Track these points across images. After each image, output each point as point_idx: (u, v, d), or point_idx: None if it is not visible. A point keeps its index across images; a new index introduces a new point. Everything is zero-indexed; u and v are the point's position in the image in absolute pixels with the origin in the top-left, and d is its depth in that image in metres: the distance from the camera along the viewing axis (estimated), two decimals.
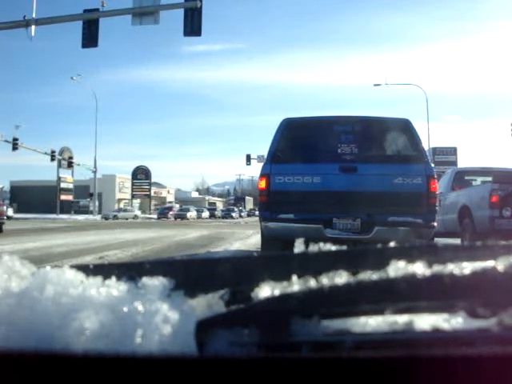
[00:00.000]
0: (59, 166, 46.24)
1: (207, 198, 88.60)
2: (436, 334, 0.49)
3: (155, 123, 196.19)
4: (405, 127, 5.86)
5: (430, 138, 36.98)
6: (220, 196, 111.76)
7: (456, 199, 9.10)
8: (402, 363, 0.45)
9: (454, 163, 35.43)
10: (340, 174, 5.49)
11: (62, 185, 48.92)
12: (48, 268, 0.56)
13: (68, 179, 49.89)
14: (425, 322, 0.51)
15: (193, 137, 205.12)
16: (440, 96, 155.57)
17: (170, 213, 50.62)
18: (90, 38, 17.88)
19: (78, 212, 48.58)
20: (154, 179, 67.71)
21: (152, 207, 59.84)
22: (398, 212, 5.35)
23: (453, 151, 37.62)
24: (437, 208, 5.78)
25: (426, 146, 36.31)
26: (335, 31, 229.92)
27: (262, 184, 5.69)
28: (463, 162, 38.23)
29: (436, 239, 8.29)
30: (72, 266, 0.57)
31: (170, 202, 70.42)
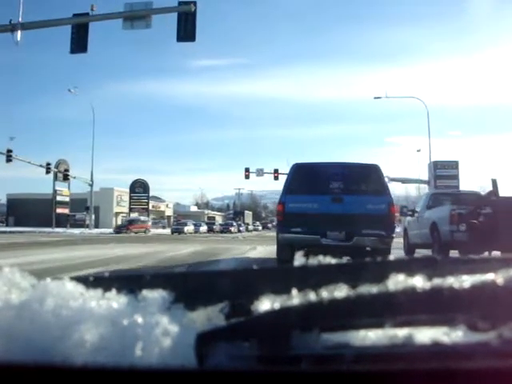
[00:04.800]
0: (55, 178, 45.79)
1: (206, 212, 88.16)
2: (436, 348, 0.49)
3: (156, 137, 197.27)
4: (374, 170, 8.66)
5: (433, 153, 35.81)
6: (219, 210, 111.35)
7: (428, 217, 11.39)
8: (401, 377, 0.45)
9: (456, 177, 34.10)
10: (331, 202, 8.03)
11: (58, 198, 47.93)
12: (48, 280, 0.56)
13: (64, 192, 48.86)
14: (424, 335, 0.51)
15: (194, 151, 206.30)
16: (442, 112, 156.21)
17: (131, 227, 43.89)
18: (79, 43, 17.07)
19: (73, 226, 47.52)
20: (154, 193, 66.84)
21: (150, 221, 59.39)
22: (370, 227, 7.81)
23: (454, 165, 35.43)
24: (395, 225, 8.55)
25: (427, 159, 35.11)
26: (338, 46, 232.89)
27: (280, 208, 8.31)
28: (465, 177, 36.63)
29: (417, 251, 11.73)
30: (72, 278, 0.57)
31: (169, 216, 70.00)
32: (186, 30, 16.48)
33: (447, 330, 0.52)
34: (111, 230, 43.98)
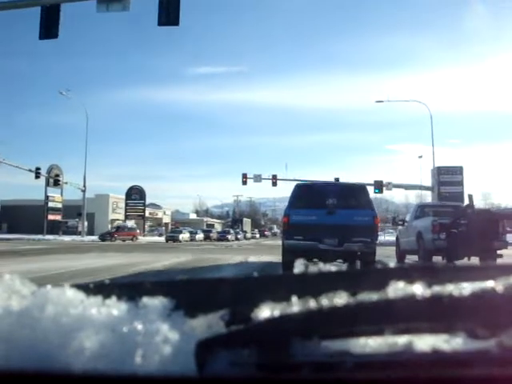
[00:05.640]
0: (47, 184, 44.94)
1: (205, 219, 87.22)
2: (436, 355, 0.49)
3: (156, 144, 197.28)
4: (362, 189, 11.03)
5: (435, 160, 34.57)
6: (219, 218, 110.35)
7: (415, 226, 13.20)
8: None
9: (460, 183, 33.34)
10: (327, 215, 9.81)
11: (50, 204, 46.15)
12: (48, 287, 0.56)
13: (56, 198, 47.07)
14: (424, 342, 0.51)
15: (193, 158, 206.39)
16: (441, 120, 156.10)
17: (117, 234, 42.43)
18: (49, 27, 15.35)
19: (66, 233, 46.54)
20: (154, 201, 66.02)
21: (147, 228, 58.83)
22: (357, 235, 9.56)
23: (459, 171, 34.34)
24: (378, 234, 10.79)
25: (429, 167, 34.21)
26: (337, 53, 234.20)
27: (285, 220, 10.19)
28: (465, 185, 34.26)
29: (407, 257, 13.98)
30: (72, 286, 0.57)
31: (166, 223, 69.56)
32: (169, 14, 14.64)
33: (447, 337, 0.52)
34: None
